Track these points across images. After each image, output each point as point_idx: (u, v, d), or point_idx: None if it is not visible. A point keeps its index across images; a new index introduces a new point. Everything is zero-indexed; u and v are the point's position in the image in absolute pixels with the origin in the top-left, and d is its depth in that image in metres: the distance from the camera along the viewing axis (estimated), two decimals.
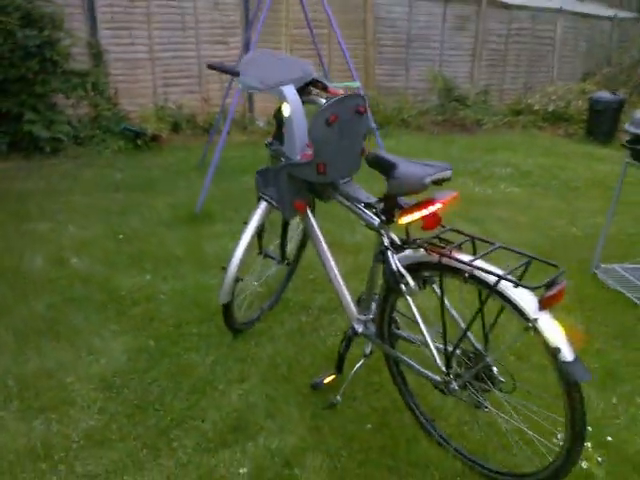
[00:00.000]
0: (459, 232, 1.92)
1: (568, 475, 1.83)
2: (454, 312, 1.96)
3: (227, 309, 2.62)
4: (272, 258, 2.79)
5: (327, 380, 2.34)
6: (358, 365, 2.30)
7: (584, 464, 2.08)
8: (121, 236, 4.10)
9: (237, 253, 2.49)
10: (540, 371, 2.51)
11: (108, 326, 2.90)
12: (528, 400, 2.05)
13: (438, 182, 1.89)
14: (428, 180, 1.84)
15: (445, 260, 1.83)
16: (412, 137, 8.28)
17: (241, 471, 2.01)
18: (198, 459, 2.05)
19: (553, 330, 1.66)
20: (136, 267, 3.59)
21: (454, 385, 1.92)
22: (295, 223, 2.83)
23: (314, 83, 2.33)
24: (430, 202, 1.87)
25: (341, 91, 2.29)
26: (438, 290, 1.94)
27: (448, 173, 1.90)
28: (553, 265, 1.71)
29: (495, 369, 1.87)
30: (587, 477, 2.03)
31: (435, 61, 9.75)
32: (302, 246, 2.97)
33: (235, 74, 2.30)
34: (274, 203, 2.38)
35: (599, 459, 2.12)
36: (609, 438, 2.22)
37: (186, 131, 7.75)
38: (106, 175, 5.71)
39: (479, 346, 1.88)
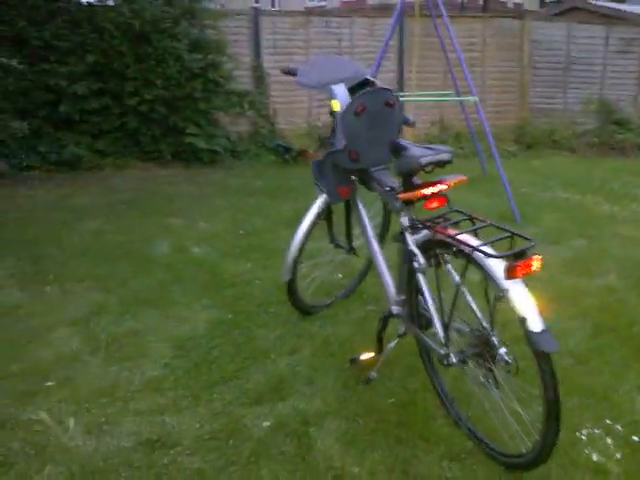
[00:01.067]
0: (461, 212, 2.02)
1: (550, 455, 1.80)
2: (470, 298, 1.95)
3: (289, 287, 2.82)
4: (342, 247, 2.93)
5: (364, 357, 2.41)
6: (392, 344, 2.35)
7: (595, 457, 1.99)
8: (241, 232, 4.51)
9: (297, 237, 2.70)
10: None
11: (201, 301, 3.24)
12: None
13: (440, 164, 2.02)
14: (425, 160, 1.98)
15: (438, 235, 1.93)
16: (561, 158, 8.01)
17: (264, 424, 2.18)
18: (230, 410, 2.26)
19: (523, 300, 1.68)
20: (244, 257, 3.94)
21: (452, 358, 1.95)
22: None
23: (368, 83, 2.48)
24: (433, 183, 2.00)
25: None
26: (452, 270, 1.98)
27: (445, 156, 2.02)
28: (528, 240, 1.74)
29: (503, 350, 1.83)
30: (600, 471, 1.95)
31: (596, 84, 9.19)
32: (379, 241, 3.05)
33: (294, 74, 2.54)
34: (324, 189, 2.54)
35: (618, 456, 2.00)
36: (635, 438, 2.08)
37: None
38: (249, 184, 6.24)
39: (486, 324, 1.89)
